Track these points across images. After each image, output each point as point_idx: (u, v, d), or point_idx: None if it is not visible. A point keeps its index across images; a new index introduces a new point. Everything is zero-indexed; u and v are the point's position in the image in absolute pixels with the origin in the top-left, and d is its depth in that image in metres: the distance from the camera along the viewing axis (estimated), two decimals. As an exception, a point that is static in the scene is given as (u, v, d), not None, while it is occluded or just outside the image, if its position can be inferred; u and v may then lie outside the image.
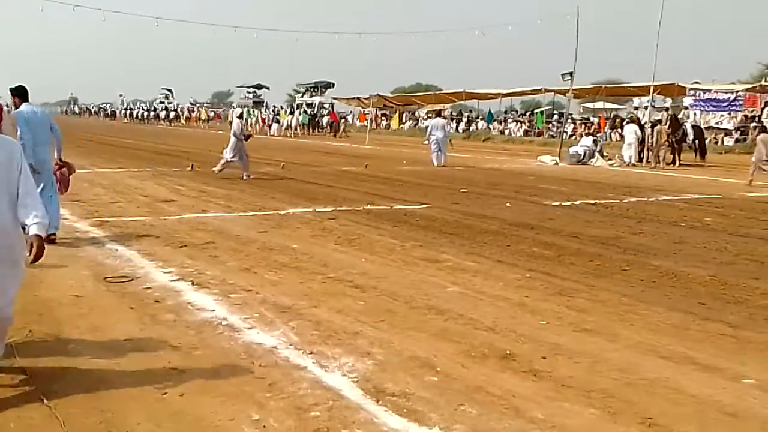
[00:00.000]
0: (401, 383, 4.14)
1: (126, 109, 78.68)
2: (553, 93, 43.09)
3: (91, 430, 3.47)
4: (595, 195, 14.33)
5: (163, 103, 75.19)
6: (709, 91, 34.59)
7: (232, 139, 15.95)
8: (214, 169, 16.15)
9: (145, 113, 71.39)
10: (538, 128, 44.19)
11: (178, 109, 71.49)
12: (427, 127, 25.33)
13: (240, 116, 18.05)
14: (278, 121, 47.23)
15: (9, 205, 3.66)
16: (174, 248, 7.86)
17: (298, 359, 4.49)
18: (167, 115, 67.98)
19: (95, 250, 7.74)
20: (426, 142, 22.12)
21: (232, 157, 15.88)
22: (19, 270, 3.84)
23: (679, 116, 28.08)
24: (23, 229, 3.75)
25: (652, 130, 23.40)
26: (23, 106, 7.76)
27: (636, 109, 39.39)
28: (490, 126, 47.43)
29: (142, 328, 5.06)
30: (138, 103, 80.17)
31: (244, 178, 15.62)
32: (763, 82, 36.64)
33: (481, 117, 50.58)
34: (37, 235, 3.66)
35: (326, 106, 56.05)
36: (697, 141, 25.12)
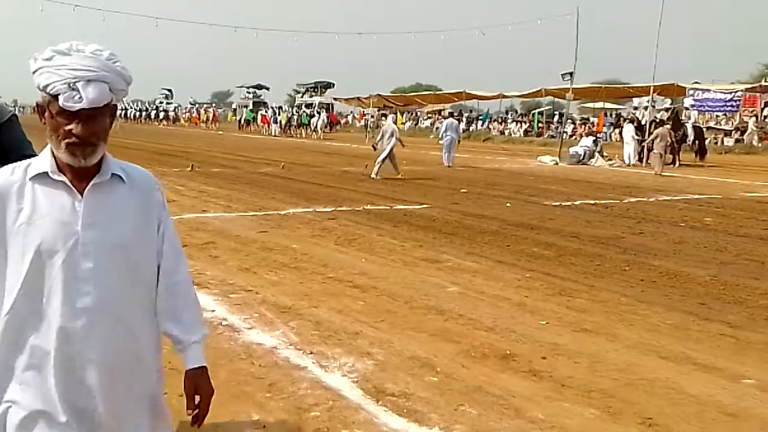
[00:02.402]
0: (401, 383, 4.14)
1: (123, 110, 78.26)
2: (552, 96, 43.09)
3: (91, 430, 3.47)
4: (595, 195, 14.33)
5: (162, 103, 74.94)
6: (709, 91, 34.59)
7: (392, 141, 16.63)
8: (374, 176, 16.55)
9: (138, 113, 70.34)
10: (535, 129, 44.18)
11: (178, 110, 71.15)
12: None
13: (393, 120, 18.77)
14: (277, 121, 46.99)
15: (142, 292, 1.93)
16: (174, 248, 7.86)
17: (298, 359, 4.50)
18: (158, 115, 66.93)
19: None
20: (441, 141, 22.44)
21: (385, 156, 16.70)
22: (165, 422, 2.19)
23: (680, 116, 28.06)
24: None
25: (655, 130, 23.37)
26: None
27: (635, 109, 39.38)
28: (490, 126, 47.42)
29: (142, 328, 5.06)
30: (134, 103, 79.73)
31: (374, 177, 16.41)
32: (763, 82, 36.65)
33: (479, 116, 50.57)
34: (200, 369, 2.10)
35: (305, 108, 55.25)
36: (697, 141, 25.12)
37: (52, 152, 1.80)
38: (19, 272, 1.78)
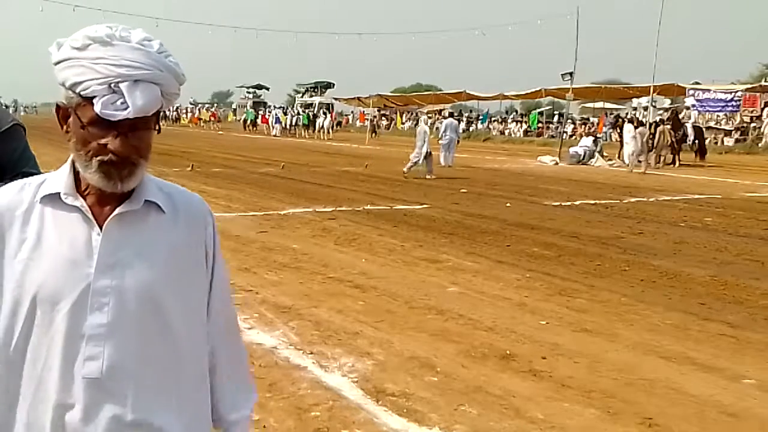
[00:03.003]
0: (401, 383, 4.14)
1: None
2: (552, 96, 43.13)
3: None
4: (595, 195, 14.33)
5: None
6: (709, 90, 34.60)
7: (426, 144, 17.19)
8: (428, 176, 17.01)
9: None
10: (532, 130, 44.24)
11: (179, 110, 71.11)
12: (437, 127, 25.57)
13: (426, 122, 19.50)
14: (279, 121, 46.96)
15: (184, 360, 1.43)
16: (174, 248, 7.86)
17: (298, 359, 4.50)
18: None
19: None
20: (440, 141, 22.54)
21: (419, 158, 17.19)
22: None
23: (680, 116, 28.06)
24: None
25: (655, 130, 23.39)
26: None
27: (635, 109, 39.38)
28: (490, 126, 47.45)
29: (142, 328, 5.06)
30: None
31: (428, 177, 16.95)
32: (763, 82, 36.65)
33: (479, 116, 50.61)
34: None
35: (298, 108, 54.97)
36: (697, 141, 25.13)
37: (73, 167, 1.36)
38: (13, 324, 1.34)
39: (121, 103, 1.26)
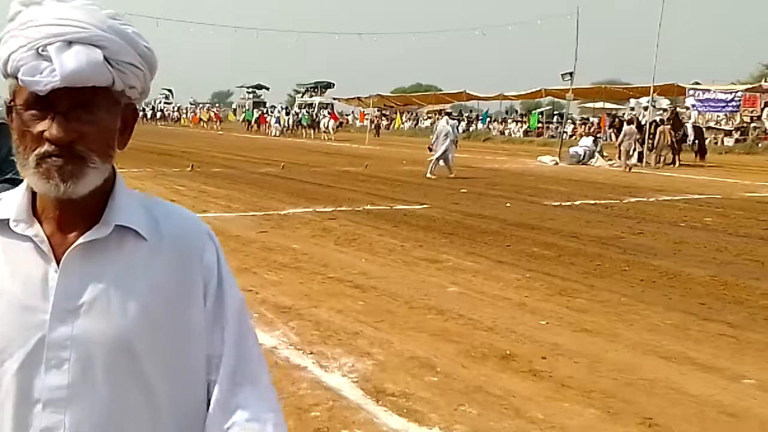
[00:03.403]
0: (401, 383, 4.14)
1: None
2: (552, 96, 43.15)
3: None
4: (595, 195, 14.33)
5: (161, 102, 74.95)
6: (709, 91, 34.62)
7: (447, 142, 17.40)
8: (429, 175, 17.06)
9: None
10: (532, 129, 44.27)
11: (180, 110, 71.11)
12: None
13: (448, 122, 19.72)
14: (279, 122, 46.94)
15: (172, 427, 1.11)
16: (174, 248, 7.85)
17: (298, 359, 4.50)
18: (155, 115, 66.21)
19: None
20: None
21: (438, 158, 17.45)
22: None
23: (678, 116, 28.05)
24: None
25: (655, 131, 23.40)
26: None
27: (632, 109, 39.41)
28: (490, 126, 47.46)
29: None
30: None
31: (429, 176, 17.11)
32: (763, 82, 36.66)
33: (479, 116, 50.63)
34: None
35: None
36: (697, 141, 25.14)
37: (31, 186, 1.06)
38: None
39: (50, 70, 0.97)
